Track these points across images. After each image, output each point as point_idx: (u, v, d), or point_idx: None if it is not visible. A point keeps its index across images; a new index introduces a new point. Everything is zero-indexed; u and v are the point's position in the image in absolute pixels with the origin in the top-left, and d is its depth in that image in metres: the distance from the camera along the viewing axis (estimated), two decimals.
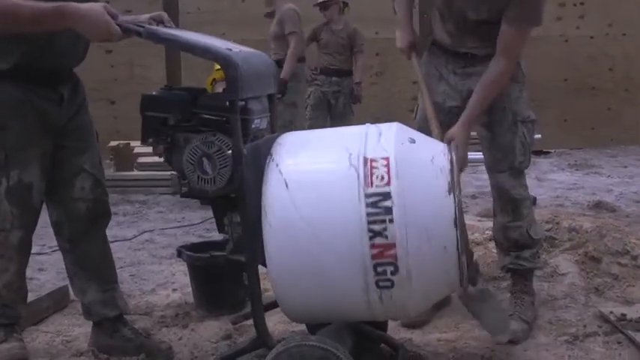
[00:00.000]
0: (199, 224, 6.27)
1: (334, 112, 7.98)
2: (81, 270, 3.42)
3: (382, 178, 2.66)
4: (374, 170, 2.68)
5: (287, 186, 2.74)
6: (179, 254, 4.08)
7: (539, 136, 8.66)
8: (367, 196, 2.65)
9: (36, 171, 3.16)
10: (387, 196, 2.64)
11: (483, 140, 3.65)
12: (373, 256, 2.64)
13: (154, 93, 3.00)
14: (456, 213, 2.66)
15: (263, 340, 2.93)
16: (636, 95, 10.50)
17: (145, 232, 6.05)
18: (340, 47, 7.94)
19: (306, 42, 7.86)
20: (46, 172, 3.21)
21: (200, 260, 3.97)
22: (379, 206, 2.64)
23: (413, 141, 2.81)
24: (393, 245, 2.62)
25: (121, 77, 9.65)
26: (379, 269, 2.65)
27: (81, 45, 3.23)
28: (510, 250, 3.68)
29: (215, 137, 2.83)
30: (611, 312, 3.69)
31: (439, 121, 3.47)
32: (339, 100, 7.96)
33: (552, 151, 9.99)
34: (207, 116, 2.87)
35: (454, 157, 2.77)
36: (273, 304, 3.05)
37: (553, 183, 8.00)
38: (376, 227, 2.63)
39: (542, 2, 3.35)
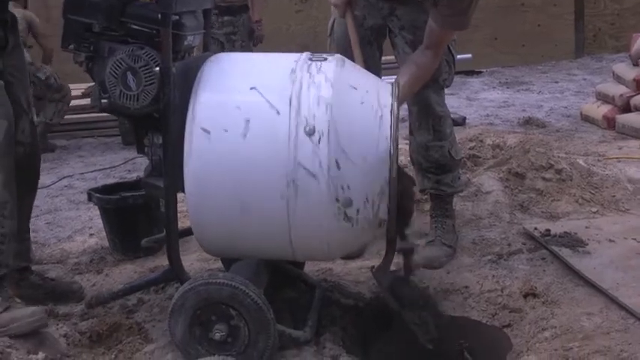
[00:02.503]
0: (121, 166, 6.05)
1: None
2: None
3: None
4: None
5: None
6: (89, 197, 3.90)
7: (470, 55, 8.58)
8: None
9: None
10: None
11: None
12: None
13: None
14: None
15: (176, 272, 2.79)
16: (565, 10, 10.42)
17: (64, 177, 5.81)
18: None
19: None
20: None
21: (110, 202, 3.81)
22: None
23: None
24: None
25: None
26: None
27: None
28: (430, 170, 3.56)
29: (143, 51, 2.63)
30: (536, 228, 3.63)
31: (360, 36, 3.33)
32: (236, 44, 6.53)
33: (484, 70, 9.91)
34: (136, 27, 2.68)
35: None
36: (188, 231, 2.90)
37: (483, 102, 7.90)
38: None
39: (468, 10, 3.12)
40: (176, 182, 2.65)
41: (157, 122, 2.68)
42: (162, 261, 3.54)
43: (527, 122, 6.66)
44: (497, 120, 6.95)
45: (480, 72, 9.84)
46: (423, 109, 3.47)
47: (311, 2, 9.79)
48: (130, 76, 2.63)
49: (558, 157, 4.27)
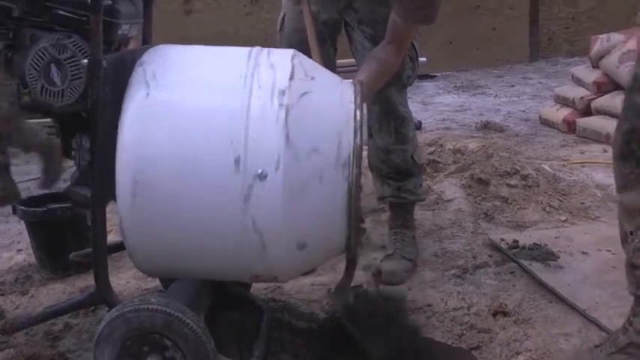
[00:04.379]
0: None
1: None
2: None
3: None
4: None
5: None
6: (14, 210, 3.56)
7: (424, 59, 8.36)
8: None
9: None
10: None
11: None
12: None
13: None
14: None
15: (103, 295, 2.46)
16: (521, 13, 10.29)
17: None
18: None
19: None
20: None
21: (36, 215, 3.47)
22: None
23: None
24: None
25: None
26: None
27: None
28: (390, 176, 3.31)
29: (70, 40, 2.31)
30: (502, 239, 3.39)
31: (317, 31, 3.05)
32: None
33: (438, 74, 9.71)
34: (62, 12, 2.36)
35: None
36: (119, 246, 2.59)
37: (439, 106, 7.69)
38: None
39: (434, 3, 2.87)
40: (105, 191, 2.33)
41: (86, 122, 2.35)
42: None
43: (485, 126, 6.44)
44: (454, 124, 6.73)
45: (435, 76, 9.64)
46: (384, 109, 3.22)
47: (261, 3, 9.50)
48: (54, 69, 2.32)
49: (524, 162, 4.03)
